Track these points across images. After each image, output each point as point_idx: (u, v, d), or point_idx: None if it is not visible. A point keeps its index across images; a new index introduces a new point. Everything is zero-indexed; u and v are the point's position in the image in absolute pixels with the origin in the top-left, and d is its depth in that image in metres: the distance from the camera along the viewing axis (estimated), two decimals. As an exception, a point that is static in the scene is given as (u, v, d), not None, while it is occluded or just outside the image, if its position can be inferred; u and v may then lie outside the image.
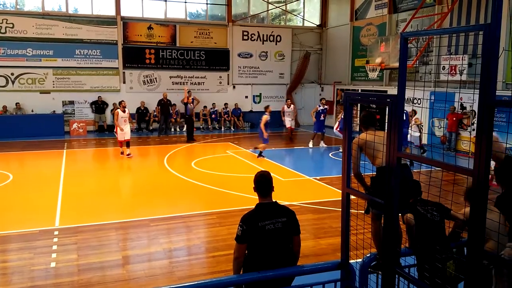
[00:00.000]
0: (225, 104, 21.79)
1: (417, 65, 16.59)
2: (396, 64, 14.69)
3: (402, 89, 3.20)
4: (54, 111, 19.46)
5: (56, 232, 7.37)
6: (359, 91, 19.65)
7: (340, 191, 3.81)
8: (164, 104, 19.73)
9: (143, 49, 20.74)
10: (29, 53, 19.11)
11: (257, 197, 3.84)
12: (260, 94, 23.12)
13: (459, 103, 14.73)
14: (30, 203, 9.09)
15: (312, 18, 23.90)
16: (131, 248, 6.94)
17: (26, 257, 6.48)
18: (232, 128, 21.79)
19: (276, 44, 23.03)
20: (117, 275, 5.89)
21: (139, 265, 6.26)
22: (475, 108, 14.29)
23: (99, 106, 19.97)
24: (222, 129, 21.52)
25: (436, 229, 3.96)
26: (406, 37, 3.22)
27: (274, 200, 3.84)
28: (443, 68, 15.64)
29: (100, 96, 19.97)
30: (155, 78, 21.12)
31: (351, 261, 3.79)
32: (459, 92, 14.17)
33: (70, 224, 7.80)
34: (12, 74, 19.01)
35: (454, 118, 15.00)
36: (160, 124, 19.70)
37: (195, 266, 6.25)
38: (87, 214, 8.36)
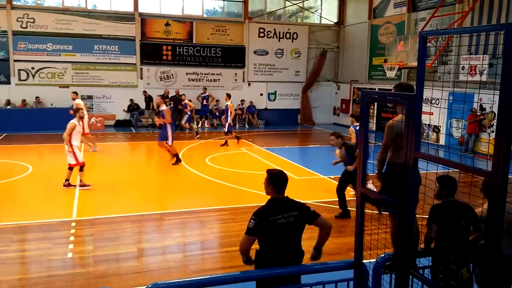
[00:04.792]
0: (242, 101, 21.83)
1: (436, 65, 16.38)
2: (415, 63, 14.52)
3: (420, 89, 3.18)
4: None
5: (73, 224, 7.50)
6: (377, 90, 19.48)
7: (355, 191, 3.81)
8: (176, 100, 19.85)
9: (160, 46, 20.90)
10: (49, 48, 19.43)
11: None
12: (275, 91, 23.10)
13: (479, 104, 14.50)
14: (48, 195, 9.27)
15: (330, 15, 23.75)
16: (146, 241, 7.04)
17: (44, 247, 6.62)
18: (246, 126, 21.82)
19: (292, 41, 22.96)
20: (132, 267, 5.97)
21: (153, 257, 6.34)
22: (495, 109, 14.11)
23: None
24: (237, 126, 21.56)
25: (461, 237, 3.91)
26: (425, 36, 3.20)
27: (285, 195, 3.89)
28: (463, 68, 15.42)
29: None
30: (172, 74, 21.27)
31: (364, 261, 3.79)
32: (479, 93, 13.95)
33: (87, 216, 7.94)
34: (33, 68, 19.35)
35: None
36: (174, 120, 19.81)
37: (208, 260, 6.31)
38: (103, 207, 8.49)
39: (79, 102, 14.44)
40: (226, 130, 15.59)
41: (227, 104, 15.47)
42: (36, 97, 19.25)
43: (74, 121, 9.74)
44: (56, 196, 9.20)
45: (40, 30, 19.22)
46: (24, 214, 8.10)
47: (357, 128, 9.26)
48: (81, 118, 10.06)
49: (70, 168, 9.64)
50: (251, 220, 3.71)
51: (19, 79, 19.29)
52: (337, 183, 8.38)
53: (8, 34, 18.88)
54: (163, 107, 12.38)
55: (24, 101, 19.05)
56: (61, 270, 5.83)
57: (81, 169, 9.70)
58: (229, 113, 15.28)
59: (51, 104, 19.48)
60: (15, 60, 19.09)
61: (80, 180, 9.70)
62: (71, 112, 14.50)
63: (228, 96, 15.82)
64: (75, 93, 15.14)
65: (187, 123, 18.21)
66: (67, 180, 9.64)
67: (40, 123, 18.22)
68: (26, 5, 19.42)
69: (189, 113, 18.01)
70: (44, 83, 19.51)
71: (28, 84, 19.28)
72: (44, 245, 6.69)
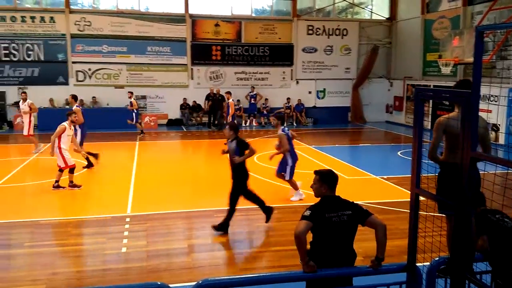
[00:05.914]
0: (288, 99, 21.73)
1: (494, 60, 15.55)
2: (471, 59, 13.85)
3: (477, 86, 3.04)
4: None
5: (127, 219, 7.79)
6: (431, 86, 18.78)
7: (409, 192, 3.69)
8: (216, 99, 20.05)
9: (210, 46, 21.25)
10: (104, 49, 20.30)
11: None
12: (324, 89, 22.83)
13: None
14: (104, 191, 9.71)
15: (381, 10, 23.13)
16: (196, 237, 7.21)
17: (99, 242, 6.93)
18: (294, 124, 21.72)
19: (342, 38, 22.57)
20: (183, 262, 6.13)
21: (203, 254, 6.48)
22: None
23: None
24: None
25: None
26: (482, 31, 3.05)
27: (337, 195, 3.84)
28: (524, 63, 14.53)
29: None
30: (221, 74, 21.57)
31: (418, 264, 3.67)
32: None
33: (140, 211, 8.22)
34: (89, 69, 20.30)
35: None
36: (218, 119, 20.06)
37: (256, 259, 6.36)
38: (156, 203, 8.77)
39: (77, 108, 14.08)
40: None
41: (228, 102, 15.65)
42: (93, 97, 20.18)
43: (65, 123, 9.69)
44: (111, 192, 9.61)
45: (96, 33, 20.12)
46: (81, 209, 8.53)
47: (287, 130, 9.02)
48: (73, 122, 9.91)
49: (60, 170, 9.54)
50: (307, 210, 3.64)
51: (77, 80, 20.30)
52: (390, 183, 8.14)
53: (67, 37, 19.91)
54: (74, 107, 11.68)
55: (81, 101, 19.96)
56: (116, 264, 6.08)
57: (71, 171, 9.64)
58: (229, 111, 15.49)
59: (107, 104, 20.34)
60: (73, 62, 20.10)
61: (71, 181, 9.61)
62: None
63: (229, 94, 15.99)
64: (24, 92, 15.39)
65: (139, 123, 17.77)
66: (56, 181, 9.51)
67: (97, 122, 18.95)
68: (83, 9, 20.41)
69: (135, 111, 17.53)
70: (100, 83, 20.40)
71: (85, 84, 20.24)
72: (99, 240, 7.01)
